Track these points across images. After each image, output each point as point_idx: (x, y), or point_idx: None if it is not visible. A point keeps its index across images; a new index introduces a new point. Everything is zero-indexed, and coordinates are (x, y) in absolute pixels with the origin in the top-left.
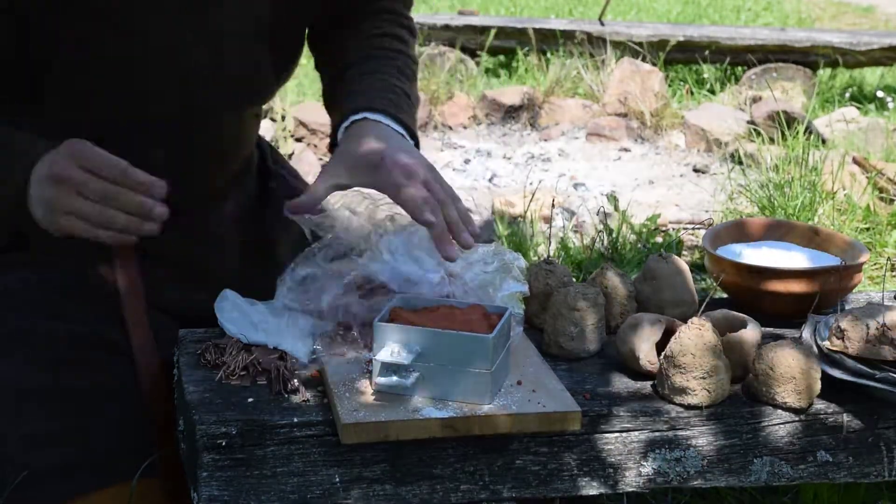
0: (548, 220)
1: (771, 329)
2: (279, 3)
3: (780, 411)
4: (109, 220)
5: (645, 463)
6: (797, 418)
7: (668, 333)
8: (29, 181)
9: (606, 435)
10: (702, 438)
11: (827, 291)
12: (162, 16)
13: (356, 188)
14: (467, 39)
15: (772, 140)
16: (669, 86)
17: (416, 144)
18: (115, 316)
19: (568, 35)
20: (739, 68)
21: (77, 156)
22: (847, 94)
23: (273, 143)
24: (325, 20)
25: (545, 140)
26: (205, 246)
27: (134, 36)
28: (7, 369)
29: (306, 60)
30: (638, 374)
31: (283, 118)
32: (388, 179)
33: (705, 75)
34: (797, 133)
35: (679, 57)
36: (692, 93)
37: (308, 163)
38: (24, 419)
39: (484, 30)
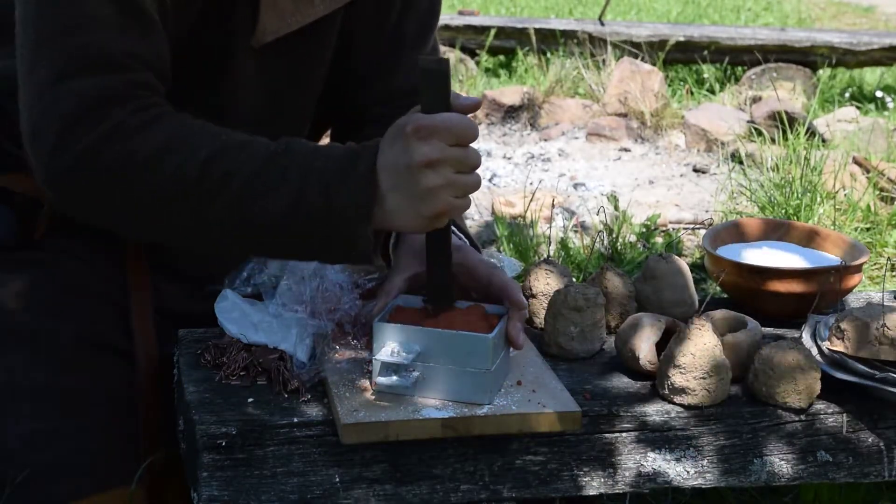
0: (548, 220)
1: (771, 329)
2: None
3: (780, 411)
4: (476, 183)
5: (645, 463)
6: (797, 418)
7: (668, 333)
8: (376, 182)
9: (606, 435)
10: (702, 438)
11: (827, 291)
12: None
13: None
14: (467, 39)
15: (772, 140)
16: (669, 86)
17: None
18: (119, 317)
19: (568, 35)
20: (739, 68)
21: (435, 133)
22: (847, 94)
23: None
24: (357, 116)
25: (545, 140)
26: (219, 262)
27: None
28: (10, 366)
29: None
30: (638, 374)
31: None
32: (475, 264)
33: (705, 75)
34: (798, 133)
35: (679, 57)
36: (692, 93)
37: None
38: (25, 417)
39: (484, 30)
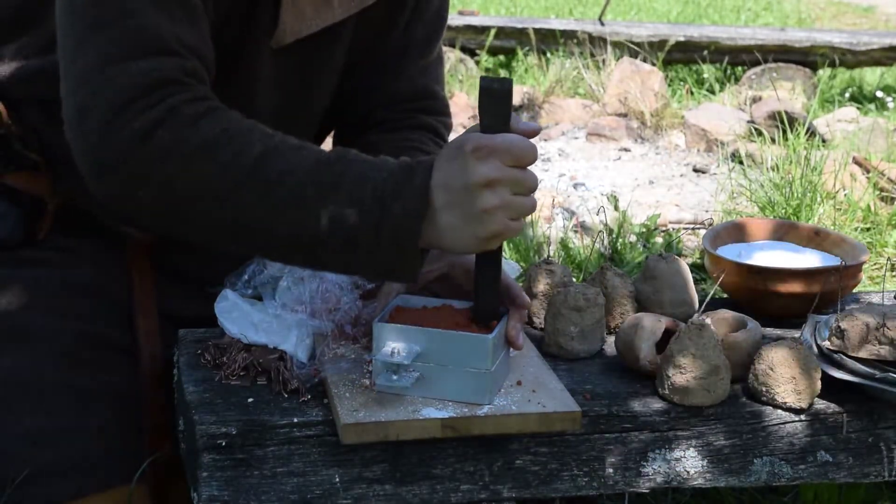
0: (548, 220)
1: (771, 329)
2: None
3: (780, 411)
4: (532, 206)
5: (645, 463)
6: (797, 418)
7: (668, 333)
8: (429, 200)
9: (606, 435)
10: (702, 438)
11: (827, 291)
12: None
13: None
14: (467, 39)
15: (772, 140)
16: (669, 86)
17: None
18: (122, 317)
19: (568, 35)
20: (739, 68)
21: (494, 153)
22: (847, 94)
23: None
24: (360, 119)
25: (545, 140)
26: (221, 264)
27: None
28: (12, 364)
29: None
30: (638, 374)
31: None
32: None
33: (705, 75)
34: (798, 133)
35: (679, 57)
36: (692, 93)
37: None
38: (27, 415)
39: (484, 30)
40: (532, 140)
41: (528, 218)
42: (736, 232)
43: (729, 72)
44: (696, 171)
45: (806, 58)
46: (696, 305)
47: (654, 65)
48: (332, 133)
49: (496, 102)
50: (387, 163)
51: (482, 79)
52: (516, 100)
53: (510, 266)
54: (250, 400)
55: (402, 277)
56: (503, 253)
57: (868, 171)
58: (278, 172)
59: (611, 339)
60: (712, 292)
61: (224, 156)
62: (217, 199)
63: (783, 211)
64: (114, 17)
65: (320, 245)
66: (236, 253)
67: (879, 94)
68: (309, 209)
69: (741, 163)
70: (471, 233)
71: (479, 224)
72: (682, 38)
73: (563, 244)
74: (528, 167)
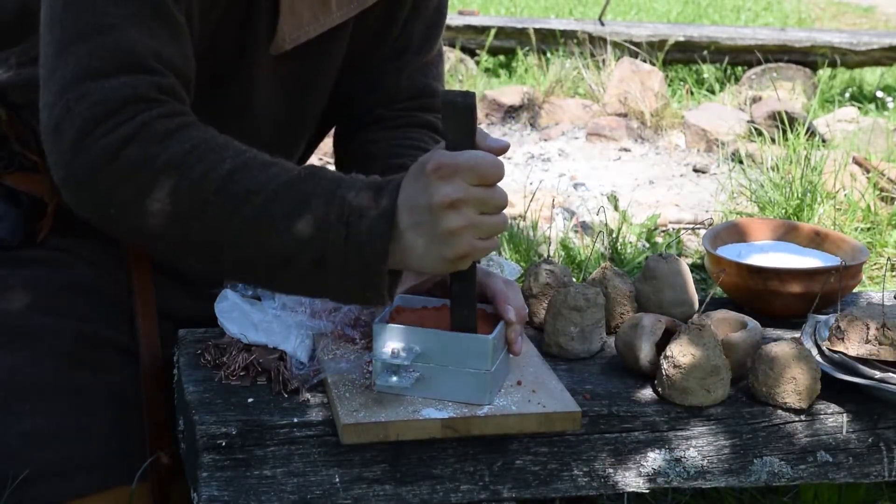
0: (548, 220)
1: (771, 329)
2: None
3: (780, 411)
4: (502, 224)
5: (645, 463)
6: (797, 418)
7: (668, 333)
8: (395, 220)
9: (606, 435)
10: (702, 438)
11: (827, 291)
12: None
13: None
14: (467, 39)
15: (772, 140)
16: (669, 86)
17: None
18: (123, 317)
19: (568, 35)
20: (739, 68)
21: (458, 172)
22: (847, 94)
23: None
24: (360, 117)
25: (545, 140)
26: None
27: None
28: (12, 364)
29: None
30: (638, 374)
31: None
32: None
33: (705, 75)
34: (798, 133)
35: (679, 57)
36: (692, 93)
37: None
38: (27, 415)
39: (484, 30)
40: (500, 157)
41: (527, 219)
42: (736, 232)
43: (729, 72)
44: (696, 171)
45: (806, 58)
46: (696, 305)
47: (653, 65)
48: (331, 133)
49: (460, 117)
50: (356, 181)
51: (444, 92)
52: (517, 100)
53: (510, 266)
54: (250, 400)
55: (372, 299)
56: (503, 254)
57: (868, 171)
58: (245, 191)
59: (611, 339)
60: (712, 292)
61: (192, 173)
62: (185, 216)
63: (783, 211)
64: (92, 31)
65: (288, 265)
66: (211, 273)
67: (879, 94)
68: (276, 228)
69: (741, 163)
70: (437, 254)
71: (444, 245)
72: (681, 38)
73: (563, 244)
74: (496, 184)
